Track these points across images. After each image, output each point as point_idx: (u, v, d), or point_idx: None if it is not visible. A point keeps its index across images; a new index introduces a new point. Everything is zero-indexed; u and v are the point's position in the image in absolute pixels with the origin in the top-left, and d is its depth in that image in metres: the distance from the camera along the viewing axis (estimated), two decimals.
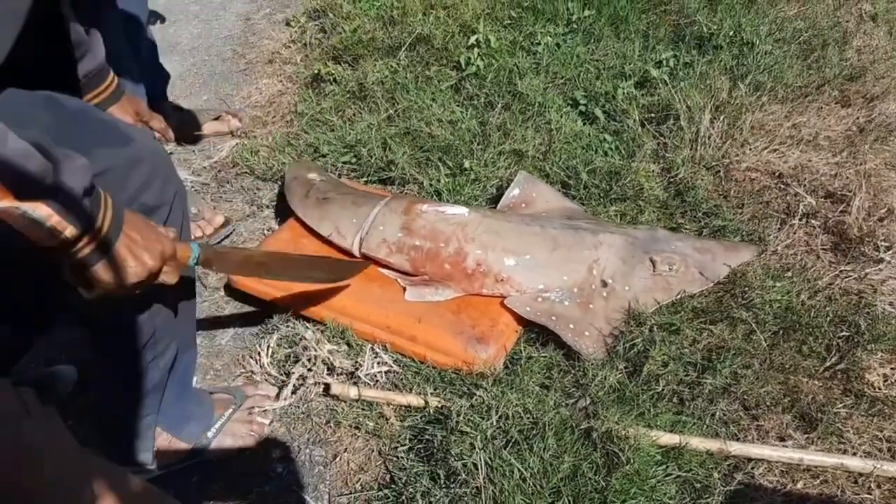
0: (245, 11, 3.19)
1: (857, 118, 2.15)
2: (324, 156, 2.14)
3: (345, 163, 2.12)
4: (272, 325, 1.67)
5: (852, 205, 1.81)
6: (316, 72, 2.50)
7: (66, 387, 1.57)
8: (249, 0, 3.27)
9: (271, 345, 1.61)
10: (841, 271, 1.71)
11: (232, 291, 1.81)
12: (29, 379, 1.58)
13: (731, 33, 2.42)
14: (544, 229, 1.71)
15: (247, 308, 1.80)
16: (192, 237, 1.96)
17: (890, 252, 1.74)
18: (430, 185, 2.01)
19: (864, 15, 2.79)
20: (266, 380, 1.60)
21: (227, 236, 2.00)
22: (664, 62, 2.34)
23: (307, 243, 1.80)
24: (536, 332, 1.62)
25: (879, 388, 1.46)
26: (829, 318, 1.56)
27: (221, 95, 2.64)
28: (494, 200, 1.95)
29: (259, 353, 1.62)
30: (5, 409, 0.67)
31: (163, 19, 3.04)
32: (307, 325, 1.64)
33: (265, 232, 2.01)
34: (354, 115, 2.28)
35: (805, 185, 1.89)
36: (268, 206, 2.09)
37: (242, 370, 1.64)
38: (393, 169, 2.05)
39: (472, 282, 1.67)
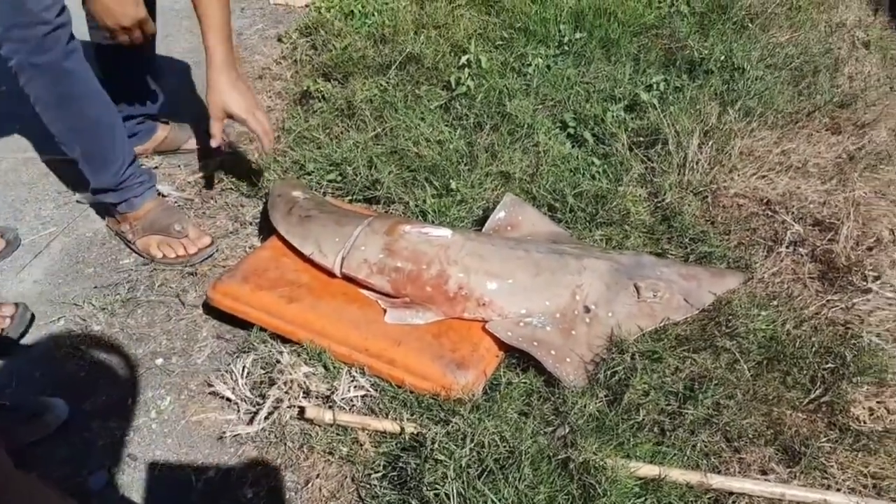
0: (237, 27, 3.18)
1: (847, 146, 2.14)
2: (309, 173, 2.12)
3: (330, 181, 2.10)
4: (248, 345, 1.64)
5: (840, 233, 1.79)
6: (305, 88, 2.48)
7: (56, 419, 1.55)
8: (242, 15, 3.27)
9: (247, 365, 1.58)
10: (828, 301, 1.69)
11: (210, 310, 1.78)
12: (23, 404, 1.55)
13: (722, 58, 2.41)
14: (528, 253, 1.69)
15: (225, 327, 1.77)
16: (175, 255, 1.94)
17: (878, 282, 1.72)
18: (416, 205, 1.99)
19: (857, 42, 2.79)
20: (241, 401, 1.57)
21: (210, 256, 1.97)
22: (654, 86, 2.33)
23: (289, 262, 1.77)
24: (518, 358, 1.60)
25: (864, 423, 1.43)
26: (814, 349, 1.53)
27: None
28: (480, 222, 1.93)
29: (234, 374, 1.59)
30: None
31: None
32: (284, 346, 1.61)
33: (247, 249, 1.98)
34: (342, 133, 2.26)
35: (793, 213, 1.88)
36: (251, 223, 2.07)
37: (215, 394, 1.60)
38: (378, 188, 2.03)
39: (454, 305, 1.64)
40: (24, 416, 1.53)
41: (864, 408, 1.45)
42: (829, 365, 1.50)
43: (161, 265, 1.95)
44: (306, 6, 3.24)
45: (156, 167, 2.30)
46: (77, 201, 2.20)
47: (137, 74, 2.17)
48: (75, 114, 1.76)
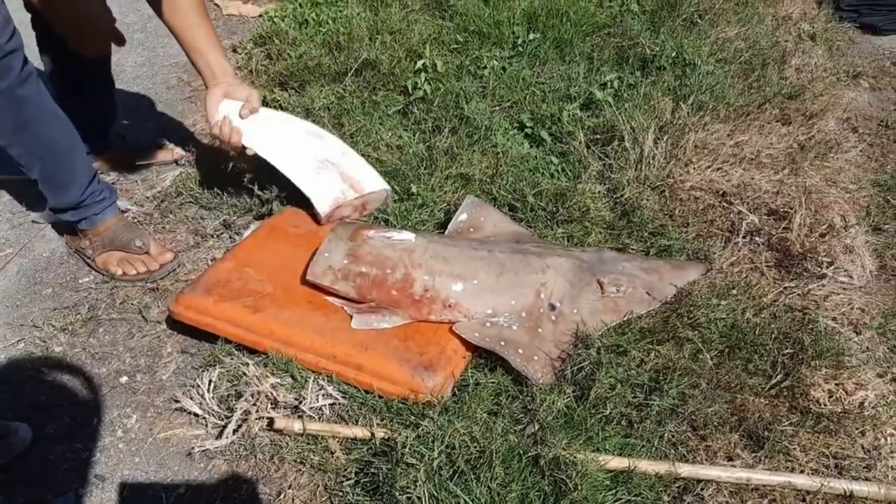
0: None
1: (798, 136, 2.19)
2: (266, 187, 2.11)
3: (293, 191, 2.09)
4: (214, 358, 1.63)
5: (794, 221, 1.83)
6: (262, 98, 2.46)
7: (20, 443, 1.52)
8: None
9: (213, 379, 1.57)
10: (785, 288, 1.73)
11: (174, 324, 1.76)
12: None
13: (673, 55, 2.45)
14: (491, 254, 1.70)
15: (189, 341, 1.75)
16: (136, 272, 1.91)
17: (832, 268, 1.77)
18: (379, 213, 1.99)
19: (803, 34, 2.86)
20: (209, 415, 1.55)
21: (173, 271, 1.95)
22: (609, 84, 2.36)
23: (251, 272, 1.76)
24: (485, 358, 1.61)
25: (825, 405, 1.47)
26: (773, 336, 1.57)
27: (167, 123, 2.59)
28: (442, 225, 1.94)
29: (200, 388, 1.57)
30: None
31: None
32: (250, 357, 1.60)
33: (209, 262, 1.96)
34: None
35: (748, 203, 1.92)
36: (212, 236, 2.05)
37: (182, 410, 1.58)
38: None
39: (420, 308, 1.65)
40: None
41: (823, 390, 1.48)
42: (789, 350, 1.54)
43: (121, 282, 1.92)
44: (260, 16, 3.23)
45: (113, 182, 2.27)
46: (33, 221, 2.16)
47: (92, 93, 2.13)
48: (33, 138, 1.72)
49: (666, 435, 1.41)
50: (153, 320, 1.82)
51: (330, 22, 2.81)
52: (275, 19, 2.98)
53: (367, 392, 1.52)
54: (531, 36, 2.59)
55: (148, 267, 1.92)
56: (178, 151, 2.37)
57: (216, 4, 3.38)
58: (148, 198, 2.22)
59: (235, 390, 1.53)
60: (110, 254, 1.93)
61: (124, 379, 1.69)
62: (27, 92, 1.65)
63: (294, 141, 1.95)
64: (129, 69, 2.93)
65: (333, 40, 2.64)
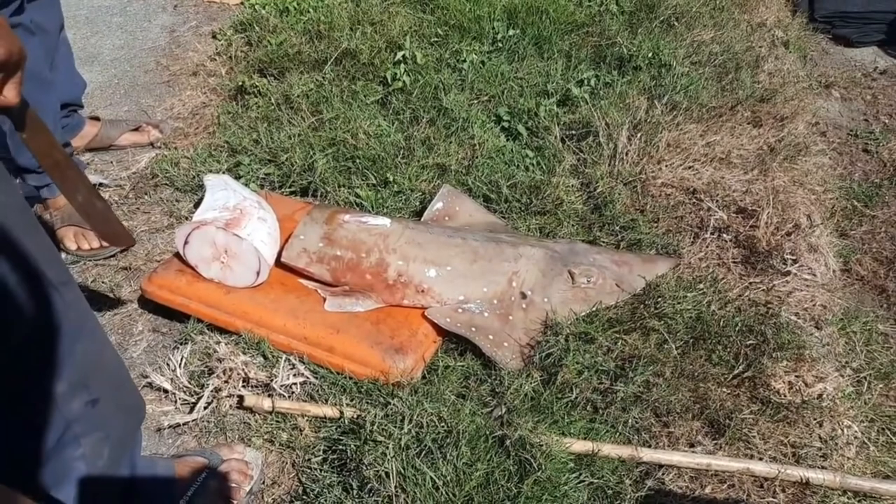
0: (170, 23, 3.14)
1: (768, 138, 2.23)
2: (238, 165, 2.11)
3: (267, 174, 2.10)
4: (186, 337, 1.63)
5: (761, 219, 1.87)
6: (240, 84, 2.47)
7: None
8: (176, 13, 3.23)
9: (185, 356, 1.57)
10: (750, 283, 1.77)
11: (145, 303, 1.76)
12: None
13: (649, 55, 2.49)
14: (465, 241, 1.72)
15: (161, 320, 1.76)
16: (90, 247, 1.91)
17: (796, 265, 1.81)
18: (355, 198, 2.01)
19: (776, 40, 2.91)
20: (179, 391, 1.56)
21: (122, 251, 1.94)
22: (585, 81, 2.39)
23: None
24: (455, 342, 1.63)
25: (784, 395, 1.51)
26: (737, 328, 1.60)
27: (143, 107, 2.58)
28: (418, 213, 1.96)
29: (170, 365, 1.57)
30: None
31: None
32: (222, 336, 1.60)
33: None
34: (279, 127, 2.26)
35: (717, 201, 1.95)
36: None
37: (151, 386, 1.58)
38: (314, 178, 2.03)
39: (393, 292, 1.67)
40: None
41: (783, 382, 1.52)
42: (751, 342, 1.58)
43: (83, 258, 1.91)
44: (241, 3, 3.22)
45: (87, 163, 2.26)
46: None
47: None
48: None
49: (630, 420, 1.44)
50: (125, 299, 1.82)
51: (311, 11, 2.81)
52: (256, 6, 2.98)
53: (338, 373, 1.54)
54: (511, 32, 2.62)
55: (90, 244, 1.92)
56: (154, 134, 2.36)
57: None
58: (123, 179, 2.21)
59: (207, 367, 1.54)
60: (68, 228, 1.93)
61: None
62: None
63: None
64: (106, 52, 2.91)
65: (314, 29, 2.65)
